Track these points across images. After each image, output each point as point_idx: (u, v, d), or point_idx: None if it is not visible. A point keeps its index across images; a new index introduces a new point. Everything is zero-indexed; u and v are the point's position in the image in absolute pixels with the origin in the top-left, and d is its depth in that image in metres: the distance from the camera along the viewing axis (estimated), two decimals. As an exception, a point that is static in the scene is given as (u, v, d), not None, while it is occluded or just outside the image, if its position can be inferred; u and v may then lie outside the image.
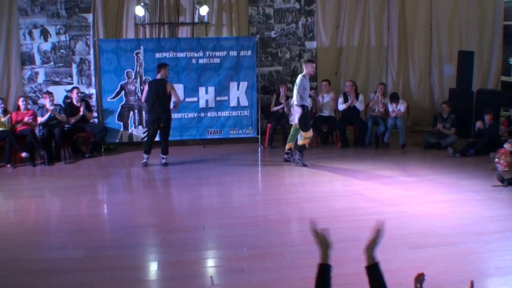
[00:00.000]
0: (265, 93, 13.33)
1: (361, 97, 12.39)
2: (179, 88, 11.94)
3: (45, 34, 12.60)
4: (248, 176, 9.90)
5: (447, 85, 13.96)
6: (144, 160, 10.73)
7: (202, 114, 12.25)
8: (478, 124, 11.59)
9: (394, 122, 12.13)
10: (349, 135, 12.58)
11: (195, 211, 7.84)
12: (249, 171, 10.32)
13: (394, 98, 12.24)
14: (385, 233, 5.95)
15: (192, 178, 9.84)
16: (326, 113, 12.48)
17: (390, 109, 12.24)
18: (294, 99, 10.38)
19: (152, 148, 10.69)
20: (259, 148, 12.08)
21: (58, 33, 12.59)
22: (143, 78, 12.02)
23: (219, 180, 9.64)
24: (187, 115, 12.20)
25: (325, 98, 12.52)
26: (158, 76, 10.59)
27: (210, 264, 6.08)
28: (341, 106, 12.29)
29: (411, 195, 8.37)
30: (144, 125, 12.17)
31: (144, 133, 11.67)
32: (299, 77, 10.37)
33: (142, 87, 11.97)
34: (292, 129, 10.85)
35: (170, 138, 11.10)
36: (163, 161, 10.76)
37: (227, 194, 8.94)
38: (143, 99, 10.90)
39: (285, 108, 12.37)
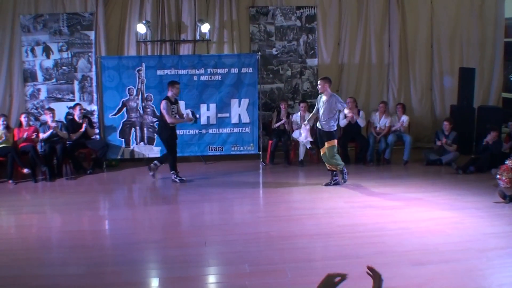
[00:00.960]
0: (266, 110, 13.31)
1: (362, 113, 12.35)
2: (181, 105, 11.99)
3: (47, 51, 12.65)
4: (249, 193, 9.84)
5: (448, 102, 13.95)
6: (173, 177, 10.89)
7: (204, 131, 12.24)
8: (488, 137, 11.32)
9: (395, 138, 12.13)
10: (350, 152, 12.53)
11: (197, 228, 7.80)
12: (250, 188, 10.25)
13: (402, 107, 12.41)
14: (387, 250, 5.92)
15: (193, 194, 9.82)
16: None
17: (393, 124, 12.28)
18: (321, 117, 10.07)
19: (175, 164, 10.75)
20: (260, 165, 12.05)
21: (60, 50, 12.64)
22: (145, 95, 12.06)
23: (220, 197, 9.61)
24: (189, 131, 12.19)
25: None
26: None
27: (212, 280, 6.05)
28: (342, 122, 12.21)
29: (412, 212, 8.31)
30: (146, 141, 12.18)
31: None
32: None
33: (143, 104, 12.07)
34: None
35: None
36: (172, 177, 10.89)
37: (228, 210, 8.91)
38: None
39: (286, 125, 12.37)
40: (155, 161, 11.11)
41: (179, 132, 11.85)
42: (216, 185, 10.46)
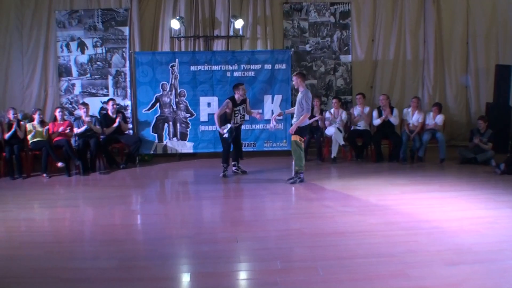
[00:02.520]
0: None
1: (395, 111, 12.22)
2: (213, 101, 12.01)
3: (82, 46, 12.82)
4: (281, 189, 9.69)
5: (483, 99, 13.80)
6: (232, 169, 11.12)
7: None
8: None
9: (430, 137, 11.94)
10: (384, 150, 12.41)
11: (228, 223, 7.73)
12: (282, 184, 10.09)
13: (438, 108, 12.18)
14: (420, 249, 5.77)
15: (224, 190, 9.87)
16: (360, 126, 12.28)
17: (427, 121, 12.11)
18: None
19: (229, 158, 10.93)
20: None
21: (94, 46, 12.82)
22: (178, 91, 12.12)
23: (252, 193, 9.56)
24: None
25: (359, 111, 12.25)
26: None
27: (243, 276, 5.94)
28: (376, 121, 12.19)
29: (446, 211, 8.13)
30: (178, 137, 12.26)
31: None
32: None
33: (176, 99, 12.12)
34: None
35: (204, 150, 11.93)
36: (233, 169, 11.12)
37: (260, 207, 8.78)
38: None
39: (319, 121, 12.22)
40: (233, 166, 10.98)
41: (211, 128, 11.98)
42: (248, 181, 10.44)
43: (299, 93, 9.72)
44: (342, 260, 6.10)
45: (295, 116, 9.84)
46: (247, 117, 11.89)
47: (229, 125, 10.35)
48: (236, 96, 10.48)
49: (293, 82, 9.95)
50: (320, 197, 9.25)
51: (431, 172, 11.08)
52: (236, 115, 10.51)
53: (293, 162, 10.04)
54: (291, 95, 12.30)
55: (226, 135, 10.32)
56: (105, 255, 6.48)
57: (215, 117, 10.44)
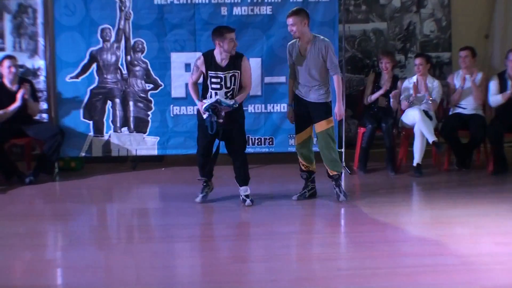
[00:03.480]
0: (354, 71, 12.64)
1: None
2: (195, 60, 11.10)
3: None
4: (320, 225, 9.18)
5: None
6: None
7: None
8: None
9: None
10: (508, 151, 11.69)
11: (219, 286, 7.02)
12: (322, 216, 9.57)
13: None
14: None
15: (213, 223, 9.51)
16: (467, 108, 11.55)
17: None
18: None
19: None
20: (343, 173, 10.63)
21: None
22: (131, 42, 11.45)
23: (265, 230, 8.91)
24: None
25: (466, 82, 11.48)
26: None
27: None
28: (496, 98, 11.28)
29: None
30: (132, 127, 12.09)
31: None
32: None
33: (128, 58, 11.52)
34: None
35: (178, 152, 11.99)
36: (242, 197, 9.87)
37: (280, 255, 7.99)
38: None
39: (391, 99, 11.39)
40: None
41: (189, 109, 11.96)
42: (261, 208, 9.62)
43: (308, 45, 9.41)
44: None
45: (305, 84, 9.64)
46: (256, 89, 11.44)
47: (214, 99, 9.37)
48: (217, 52, 9.44)
49: (293, 28, 9.39)
50: (393, 237, 8.58)
51: None
52: (216, 88, 9.55)
53: (328, 166, 9.68)
54: (339, 49, 11.34)
55: (205, 116, 9.32)
56: None
57: (189, 86, 9.83)
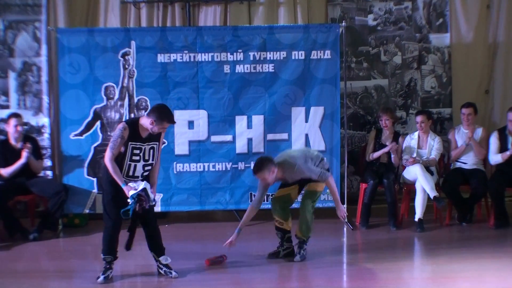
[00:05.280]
0: (356, 128, 12.62)
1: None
2: (199, 118, 11.56)
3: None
4: (322, 281, 9.05)
5: None
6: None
7: (241, 165, 11.54)
8: None
9: None
10: (509, 205, 11.56)
11: None
12: (325, 274, 9.32)
13: None
14: None
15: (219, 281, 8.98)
16: (467, 163, 11.56)
17: None
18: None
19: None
20: (344, 229, 11.17)
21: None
22: (135, 100, 11.44)
23: None
24: (214, 166, 11.64)
25: (465, 137, 11.49)
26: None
27: None
28: (496, 158, 11.41)
29: None
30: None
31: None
32: None
33: (134, 115, 11.39)
34: None
35: (182, 208, 11.79)
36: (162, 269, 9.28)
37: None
38: None
39: (392, 154, 11.36)
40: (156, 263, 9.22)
41: (192, 166, 11.81)
42: (260, 270, 9.48)
43: (288, 176, 9.42)
44: None
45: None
46: (258, 145, 11.69)
47: (141, 187, 8.64)
48: (146, 123, 8.51)
49: (262, 181, 9.33)
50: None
51: None
52: (136, 159, 8.68)
53: (300, 227, 9.67)
54: (340, 106, 11.46)
55: (130, 201, 8.53)
56: None
57: (106, 160, 8.66)
